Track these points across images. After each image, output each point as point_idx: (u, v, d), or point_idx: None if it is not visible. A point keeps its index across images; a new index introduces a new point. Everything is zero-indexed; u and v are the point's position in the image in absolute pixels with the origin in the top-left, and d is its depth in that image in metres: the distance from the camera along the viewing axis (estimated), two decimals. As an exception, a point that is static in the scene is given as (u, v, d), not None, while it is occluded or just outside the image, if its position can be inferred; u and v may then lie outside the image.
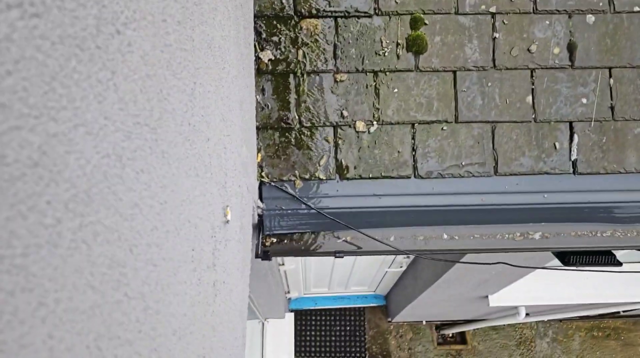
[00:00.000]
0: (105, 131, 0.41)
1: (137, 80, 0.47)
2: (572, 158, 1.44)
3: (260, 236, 1.37)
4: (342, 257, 1.40)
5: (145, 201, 0.49)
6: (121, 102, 0.44)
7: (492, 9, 1.44)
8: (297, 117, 1.41)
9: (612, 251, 1.56)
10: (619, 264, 1.56)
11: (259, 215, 1.36)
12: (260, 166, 1.38)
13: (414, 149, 1.44)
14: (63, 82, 0.34)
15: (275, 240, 1.39)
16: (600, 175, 1.44)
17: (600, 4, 1.45)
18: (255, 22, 1.39)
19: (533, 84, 1.46)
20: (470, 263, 1.83)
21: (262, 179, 1.39)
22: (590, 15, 1.45)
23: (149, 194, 0.50)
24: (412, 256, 3.01)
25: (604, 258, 1.54)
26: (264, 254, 1.38)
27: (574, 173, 1.45)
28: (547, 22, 1.45)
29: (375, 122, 1.43)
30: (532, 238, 1.41)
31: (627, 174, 1.43)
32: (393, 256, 3.21)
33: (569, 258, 1.55)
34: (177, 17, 0.60)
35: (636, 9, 1.45)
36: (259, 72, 1.40)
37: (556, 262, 1.68)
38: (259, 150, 1.39)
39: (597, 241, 1.43)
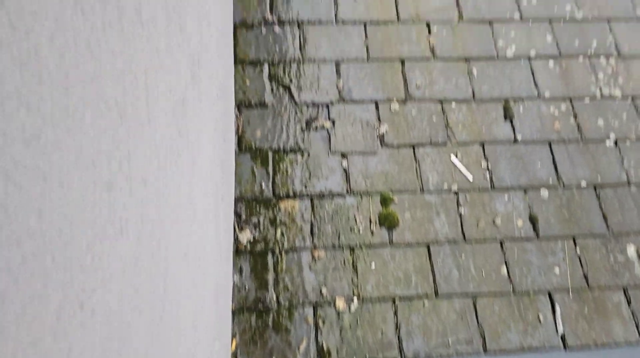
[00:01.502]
0: None
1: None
2: (560, 332, 1.40)
3: None
4: None
5: None
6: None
7: (454, 188, 1.57)
8: (275, 297, 1.38)
9: None
10: None
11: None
12: (234, 356, 1.28)
13: (397, 327, 1.38)
14: None
15: None
16: (591, 351, 1.38)
17: (550, 180, 1.61)
18: (235, 205, 1.47)
19: (504, 255, 1.51)
20: None
21: (237, 369, 1.28)
22: (544, 190, 1.60)
23: None
24: None
25: None
26: None
27: (564, 347, 1.39)
28: (506, 197, 1.58)
29: (355, 299, 1.40)
30: None
31: (618, 349, 1.38)
32: None
33: None
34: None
35: (583, 183, 1.61)
36: (237, 252, 1.42)
37: None
38: (233, 336, 1.31)
39: None
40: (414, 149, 1.62)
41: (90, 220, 0.46)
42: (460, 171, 1.60)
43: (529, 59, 1.72)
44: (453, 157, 1.61)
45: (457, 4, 1.78)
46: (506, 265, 1.50)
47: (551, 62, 1.72)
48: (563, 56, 1.73)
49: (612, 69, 1.72)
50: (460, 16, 1.76)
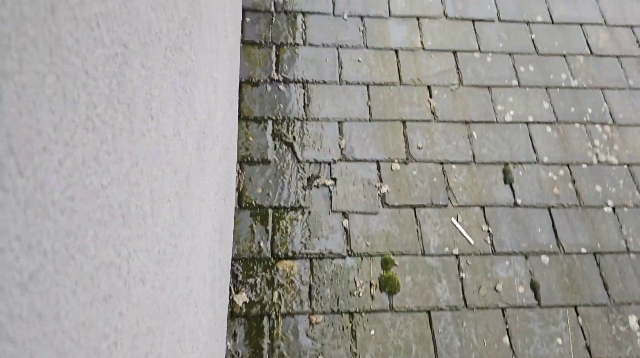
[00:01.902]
0: None
1: None
2: (564, 411, 1.35)
3: None
4: None
5: None
6: None
7: (455, 251, 1.55)
8: (269, 364, 1.33)
9: None
10: None
11: None
12: None
13: (395, 401, 1.33)
14: None
15: None
16: None
17: (550, 246, 1.60)
18: (232, 265, 1.44)
19: (506, 323, 1.48)
20: None
21: None
22: (545, 256, 1.58)
23: None
24: None
25: None
26: None
27: None
28: (507, 262, 1.56)
29: (352, 368, 1.35)
30: None
31: None
32: None
33: None
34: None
35: (583, 250, 1.60)
36: (232, 315, 1.38)
37: None
38: (225, 408, 1.25)
39: None
40: (415, 210, 1.61)
41: (84, 337, 0.44)
42: (461, 233, 1.60)
43: (527, 124, 1.76)
44: (454, 220, 1.61)
45: (457, 69, 1.83)
46: (508, 333, 1.46)
47: (548, 128, 1.75)
48: (560, 122, 1.77)
49: (608, 136, 1.75)
50: (460, 81, 1.81)
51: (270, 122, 1.66)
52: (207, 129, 1.04)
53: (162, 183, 0.69)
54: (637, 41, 1.98)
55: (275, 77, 1.73)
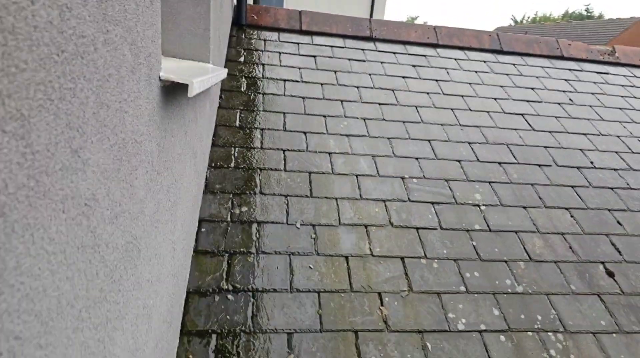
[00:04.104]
0: None
1: None
2: None
3: None
4: None
5: None
6: None
7: None
8: None
9: None
10: None
11: None
12: None
13: None
14: None
15: None
16: None
17: None
18: None
19: None
20: None
21: None
22: None
23: None
24: None
25: None
26: None
27: None
28: None
29: None
30: None
31: None
32: None
33: None
34: None
35: None
36: None
37: None
38: None
39: None
40: None
41: None
42: None
43: (480, 332, 1.73)
44: None
45: (406, 275, 1.89)
46: None
47: (502, 337, 1.73)
48: (512, 330, 1.76)
49: (562, 345, 1.73)
50: (410, 287, 1.85)
51: (214, 336, 1.57)
52: (129, 368, 0.95)
53: None
54: (570, 247, 2.16)
55: (225, 287, 1.71)
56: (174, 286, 1.40)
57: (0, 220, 0.43)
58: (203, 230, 1.89)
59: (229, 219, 1.96)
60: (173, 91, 1.12)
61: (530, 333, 1.76)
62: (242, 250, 1.86)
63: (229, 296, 1.69)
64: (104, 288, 0.76)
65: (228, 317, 1.63)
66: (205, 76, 1.22)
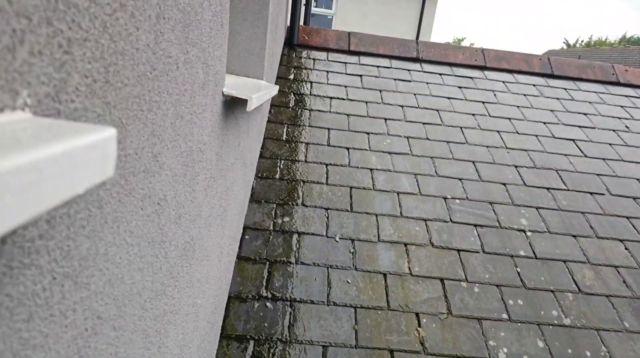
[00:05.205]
0: None
1: None
2: None
3: None
4: None
5: None
6: None
7: None
8: None
9: None
10: None
11: None
12: None
13: None
14: None
15: None
16: None
17: None
18: None
19: None
20: None
21: None
22: None
23: None
24: None
25: None
26: None
27: None
28: None
29: None
30: None
31: None
32: None
33: None
34: None
35: None
36: None
37: None
38: None
39: None
40: None
41: None
42: None
43: (523, 363, 1.67)
44: None
45: (445, 298, 1.86)
46: None
47: (547, 371, 1.66)
48: (558, 364, 1.68)
49: (613, 385, 1.63)
50: (449, 310, 1.82)
51: (252, 342, 1.61)
52: (177, 363, 1.01)
53: None
54: (624, 281, 2.05)
55: (264, 294, 1.76)
56: (218, 289, 1.46)
57: (98, 211, 0.50)
58: (247, 237, 1.96)
59: (271, 228, 2.03)
60: (232, 105, 1.20)
61: (576, 368, 1.68)
62: (282, 259, 1.91)
63: (268, 304, 1.74)
64: (165, 282, 0.82)
65: (266, 324, 1.68)
66: (260, 92, 1.30)
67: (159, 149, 0.65)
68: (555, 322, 1.83)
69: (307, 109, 2.80)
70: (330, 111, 2.82)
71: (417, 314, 1.79)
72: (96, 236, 0.50)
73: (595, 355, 1.73)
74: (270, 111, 2.71)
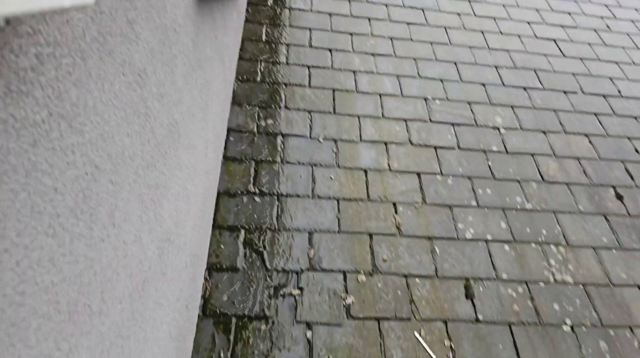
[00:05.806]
0: None
1: None
2: None
3: None
4: None
5: None
6: None
7: (419, 370, 1.52)
8: None
9: None
10: None
11: None
12: None
13: None
14: None
15: None
16: None
17: None
18: (187, 376, 1.39)
19: None
20: None
21: None
22: None
23: None
24: None
25: None
26: None
27: None
28: (472, 384, 1.52)
29: None
30: None
31: None
32: None
33: None
34: None
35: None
36: None
37: None
38: None
39: None
40: (379, 322, 1.62)
41: None
42: (424, 348, 1.58)
43: (486, 242, 1.87)
44: (417, 334, 1.61)
45: (421, 189, 2.00)
46: None
47: (506, 247, 1.86)
48: (517, 241, 1.88)
49: (562, 256, 1.85)
50: (424, 199, 1.97)
51: (242, 231, 1.76)
52: (173, 237, 1.12)
53: (115, 285, 0.75)
54: (584, 171, 2.21)
55: (252, 190, 1.88)
56: (207, 182, 1.56)
57: (81, 62, 0.54)
58: (231, 139, 2.02)
59: (255, 130, 2.09)
60: (205, -10, 1.18)
61: (533, 244, 1.89)
62: (268, 159, 2.00)
63: (256, 198, 1.86)
64: (154, 156, 0.89)
65: (255, 215, 1.81)
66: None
67: (132, 16, 0.67)
68: (518, 206, 2.01)
69: (286, 7, 2.69)
70: (311, 10, 2.72)
71: (394, 204, 1.94)
72: (83, 87, 0.55)
73: (550, 233, 1.93)
74: (247, 10, 2.61)
